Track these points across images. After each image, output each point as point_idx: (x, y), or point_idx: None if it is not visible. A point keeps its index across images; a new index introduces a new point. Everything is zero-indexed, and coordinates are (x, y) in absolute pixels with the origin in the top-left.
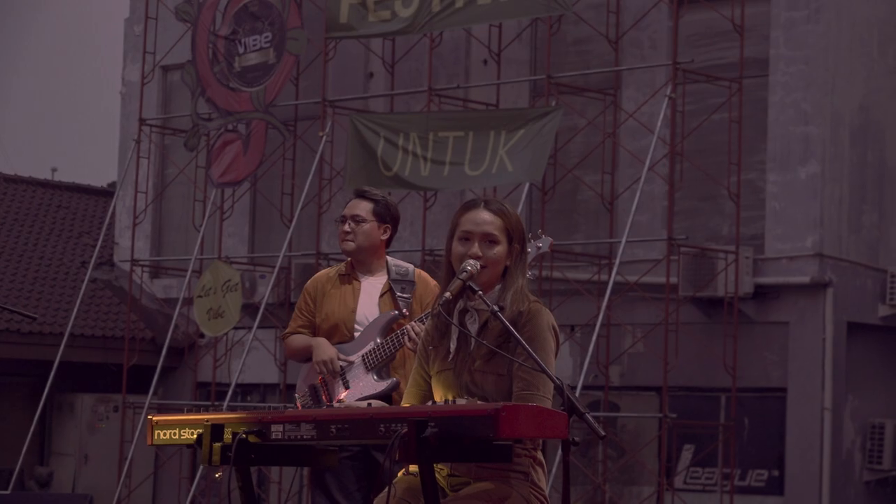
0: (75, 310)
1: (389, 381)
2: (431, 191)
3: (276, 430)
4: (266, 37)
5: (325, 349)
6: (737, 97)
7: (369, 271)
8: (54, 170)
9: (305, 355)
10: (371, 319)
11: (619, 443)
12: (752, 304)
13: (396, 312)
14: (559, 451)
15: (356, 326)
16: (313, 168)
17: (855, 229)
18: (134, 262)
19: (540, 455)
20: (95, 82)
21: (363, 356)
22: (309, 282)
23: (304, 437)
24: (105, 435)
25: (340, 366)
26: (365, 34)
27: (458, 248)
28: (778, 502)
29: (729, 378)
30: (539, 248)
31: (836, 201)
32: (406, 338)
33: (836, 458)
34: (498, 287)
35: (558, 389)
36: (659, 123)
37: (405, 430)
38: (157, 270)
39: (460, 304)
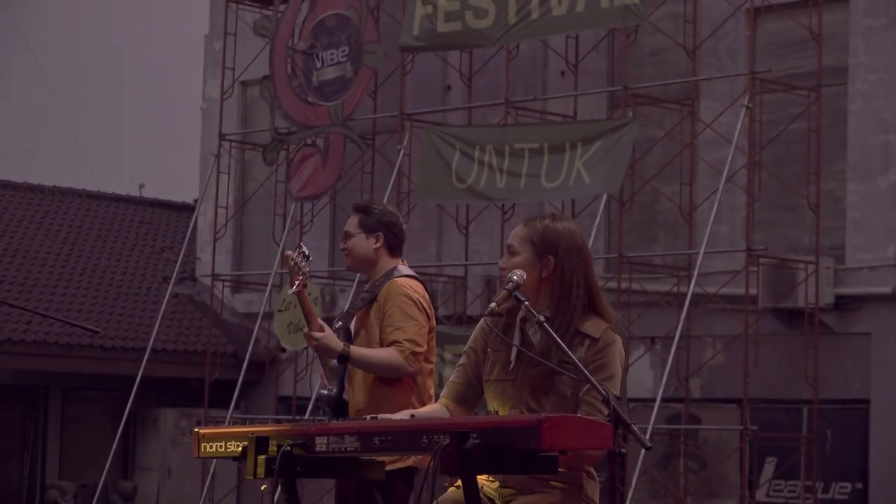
0: (157, 325)
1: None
2: (508, 203)
3: (321, 443)
4: (343, 51)
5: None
6: (815, 106)
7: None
8: (142, 186)
9: None
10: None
11: (701, 455)
12: (833, 314)
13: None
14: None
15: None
16: (391, 181)
17: None
18: (215, 276)
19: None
20: (179, 98)
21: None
22: None
23: (348, 448)
24: (188, 449)
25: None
26: (441, 47)
27: None
28: None
29: (810, 390)
30: None
31: None
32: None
33: None
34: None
35: (604, 401)
36: (737, 133)
37: (447, 441)
38: (237, 285)
39: (522, 312)
